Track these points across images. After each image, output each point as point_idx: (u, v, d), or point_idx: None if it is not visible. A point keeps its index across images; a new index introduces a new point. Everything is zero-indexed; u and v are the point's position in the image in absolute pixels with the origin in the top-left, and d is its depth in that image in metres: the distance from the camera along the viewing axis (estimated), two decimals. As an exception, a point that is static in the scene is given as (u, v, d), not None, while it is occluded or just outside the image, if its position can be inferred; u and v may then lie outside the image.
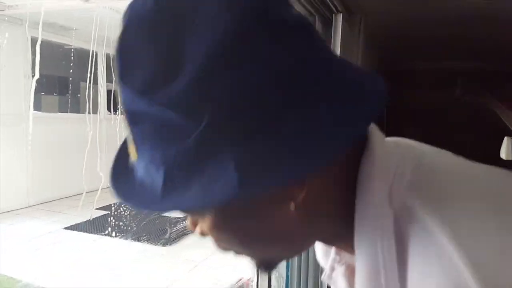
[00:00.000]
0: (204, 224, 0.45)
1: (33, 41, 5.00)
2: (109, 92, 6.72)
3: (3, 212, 5.22)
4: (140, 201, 0.41)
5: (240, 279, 3.26)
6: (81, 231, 4.78)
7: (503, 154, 2.38)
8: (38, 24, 4.34)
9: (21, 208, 5.56)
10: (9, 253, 4.00)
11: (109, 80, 6.35)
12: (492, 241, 0.38)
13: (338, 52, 2.00)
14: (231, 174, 0.36)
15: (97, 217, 5.21)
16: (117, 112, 5.99)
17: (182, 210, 0.43)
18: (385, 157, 0.45)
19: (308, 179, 0.41)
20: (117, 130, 4.66)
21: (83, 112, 6.10)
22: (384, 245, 0.43)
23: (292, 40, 0.38)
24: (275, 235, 0.46)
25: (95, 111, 5.77)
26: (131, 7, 0.39)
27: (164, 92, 0.36)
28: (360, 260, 0.45)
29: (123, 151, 0.46)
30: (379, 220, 0.43)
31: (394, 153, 0.46)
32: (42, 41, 4.49)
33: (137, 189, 0.42)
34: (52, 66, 6.57)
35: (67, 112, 6.34)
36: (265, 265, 0.53)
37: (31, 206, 5.70)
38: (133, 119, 0.39)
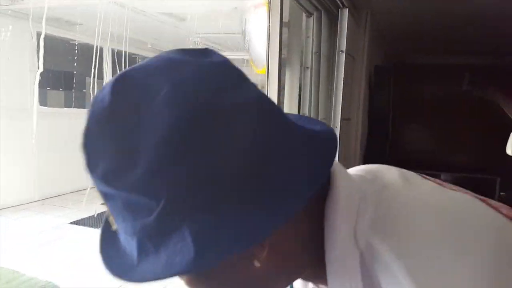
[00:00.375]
0: (182, 280, 0.49)
1: (38, 36, 5.00)
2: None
3: (8, 207, 5.25)
4: (121, 267, 0.45)
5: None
6: (86, 225, 4.81)
7: (509, 150, 2.36)
8: (43, 18, 4.34)
9: (26, 203, 5.59)
10: (13, 247, 4.02)
11: (114, 75, 6.34)
12: (444, 272, 0.42)
13: (344, 47, 2.00)
14: (189, 247, 0.39)
15: (101, 212, 5.22)
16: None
17: (159, 279, 0.44)
18: (348, 197, 0.48)
19: (268, 239, 0.44)
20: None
21: (89, 107, 6.11)
22: (353, 286, 0.47)
23: (237, 126, 0.42)
24: (246, 286, 0.50)
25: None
26: (92, 104, 0.43)
27: (123, 181, 0.40)
28: None
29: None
30: (346, 261, 0.47)
31: (356, 191, 0.50)
32: (47, 36, 4.49)
33: (121, 254, 0.46)
34: (57, 61, 6.58)
35: (72, 107, 6.35)
36: None
37: (36, 201, 5.72)
38: (104, 197, 0.44)
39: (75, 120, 6.15)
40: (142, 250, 0.43)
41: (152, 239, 0.42)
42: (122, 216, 0.44)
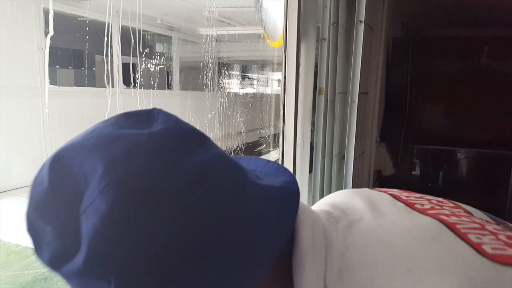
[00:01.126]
0: None
1: (46, 13, 4.94)
2: (125, 65, 6.67)
3: (20, 187, 5.29)
4: None
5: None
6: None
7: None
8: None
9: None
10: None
11: (124, 53, 6.28)
12: None
13: (362, 17, 1.91)
14: None
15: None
16: (135, 86, 5.95)
17: None
18: (314, 247, 0.48)
19: None
20: (137, 104, 4.62)
21: (99, 85, 6.09)
22: None
23: (180, 201, 0.41)
24: None
25: (112, 84, 5.73)
26: (32, 185, 0.42)
27: (70, 267, 0.40)
28: None
29: None
30: None
31: (321, 239, 0.50)
32: (55, 13, 4.42)
33: None
34: (66, 39, 6.52)
35: (83, 86, 6.32)
36: None
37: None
38: (62, 277, 0.43)
39: (86, 99, 6.18)
40: None
41: None
42: None
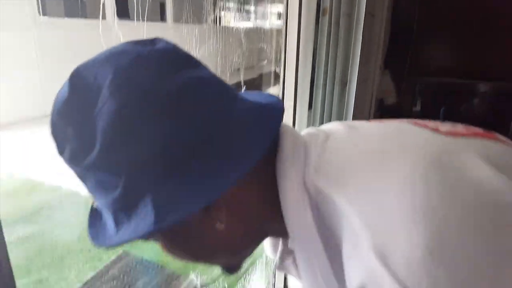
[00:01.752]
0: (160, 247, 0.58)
1: None
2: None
3: (11, 123, 5.21)
4: (104, 239, 0.51)
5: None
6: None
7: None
8: None
9: (39, 117, 5.57)
10: (43, 160, 4.02)
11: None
12: (377, 200, 0.46)
13: None
14: (150, 212, 0.46)
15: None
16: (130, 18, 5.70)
17: (129, 242, 0.51)
18: (293, 151, 0.54)
19: (221, 200, 0.52)
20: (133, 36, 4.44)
21: (91, 17, 5.83)
22: (309, 234, 0.52)
23: (181, 105, 0.47)
24: (217, 247, 0.57)
25: (104, 16, 5.49)
26: (55, 98, 0.50)
27: (87, 161, 0.47)
28: (297, 252, 0.56)
29: None
30: (300, 209, 0.52)
31: (301, 144, 0.56)
32: None
33: (102, 226, 0.53)
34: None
35: (74, 17, 6.05)
36: (227, 270, 0.64)
37: (43, 116, 5.69)
38: (80, 178, 0.52)
39: (79, 32, 5.95)
40: (117, 221, 0.50)
41: (123, 210, 0.49)
42: (98, 193, 0.51)
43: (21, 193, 3.48)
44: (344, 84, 1.96)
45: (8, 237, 0.60)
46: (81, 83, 0.48)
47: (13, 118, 5.17)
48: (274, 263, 0.68)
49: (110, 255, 2.55)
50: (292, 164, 0.53)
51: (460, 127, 0.58)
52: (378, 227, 0.44)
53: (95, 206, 0.56)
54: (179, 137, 0.47)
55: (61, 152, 0.50)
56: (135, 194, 0.48)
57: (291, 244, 0.57)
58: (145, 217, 0.46)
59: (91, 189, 0.52)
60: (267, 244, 0.73)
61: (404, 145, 0.53)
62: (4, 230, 0.59)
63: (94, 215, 0.56)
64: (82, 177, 0.51)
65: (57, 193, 3.43)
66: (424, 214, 0.43)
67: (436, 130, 0.56)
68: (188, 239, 0.55)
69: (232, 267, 0.64)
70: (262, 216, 0.57)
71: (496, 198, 0.44)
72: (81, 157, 0.48)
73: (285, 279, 1.47)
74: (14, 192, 3.47)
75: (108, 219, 0.52)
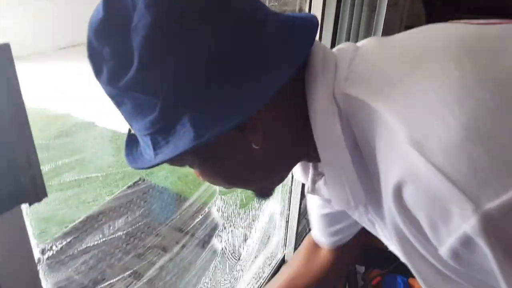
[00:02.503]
0: (196, 172, 0.59)
1: None
2: None
3: (25, 55, 5.18)
4: (143, 162, 0.53)
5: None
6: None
7: None
8: None
9: (52, 50, 5.54)
10: (62, 91, 4.02)
11: None
12: (410, 94, 0.45)
13: None
14: (189, 130, 0.46)
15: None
16: None
17: (169, 162, 0.53)
18: (323, 65, 0.53)
19: (257, 119, 0.50)
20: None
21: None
22: (337, 147, 0.52)
23: (214, 22, 0.46)
24: (252, 169, 0.57)
25: None
26: (90, 19, 0.49)
27: (123, 80, 0.47)
28: (325, 170, 0.55)
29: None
30: (328, 121, 0.51)
31: (331, 58, 0.54)
32: None
33: (139, 154, 0.55)
34: None
35: None
36: (260, 194, 0.65)
37: (62, 48, 5.67)
38: (116, 102, 0.51)
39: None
40: (155, 145, 0.50)
41: (161, 133, 0.49)
42: (135, 118, 0.50)
43: (40, 123, 3.52)
44: (372, 8, 1.86)
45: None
46: (115, 3, 0.47)
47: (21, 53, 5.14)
48: (306, 187, 0.68)
49: (126, 182, 2.59)
50: (321, 78, 0.52)
51: (494, 20, 0.56)
52: (412, 118, 0.43)
53: (131, 134, 0.56)
54: (216, 50, 0.46)
55: (98, 74, 0.49)
56: (173, 113, 0.47)
57: (321, 165, 0.58)
58: (183, 135, 0.47)
59: (128, 115, 0.51)
60: (296, 171, 0.74)
61: (436, 40, 0.52)
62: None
63: (130, 146, 0.57)
64: (119, 102, 0.50)
65: (72, 122, 3.46)
66: (458, 97, 0.42)
67: (468, 23, 0.56)
68: (224, 162, 0.55)
69: (264, 192, 0.65)
70: (295, 137, 0.57)
71: None
72: (119, 76, 0.47)
73: (302, 197, 1.47)
74: (33, 123, 3.51)
75: (145, 145, 0.52)
